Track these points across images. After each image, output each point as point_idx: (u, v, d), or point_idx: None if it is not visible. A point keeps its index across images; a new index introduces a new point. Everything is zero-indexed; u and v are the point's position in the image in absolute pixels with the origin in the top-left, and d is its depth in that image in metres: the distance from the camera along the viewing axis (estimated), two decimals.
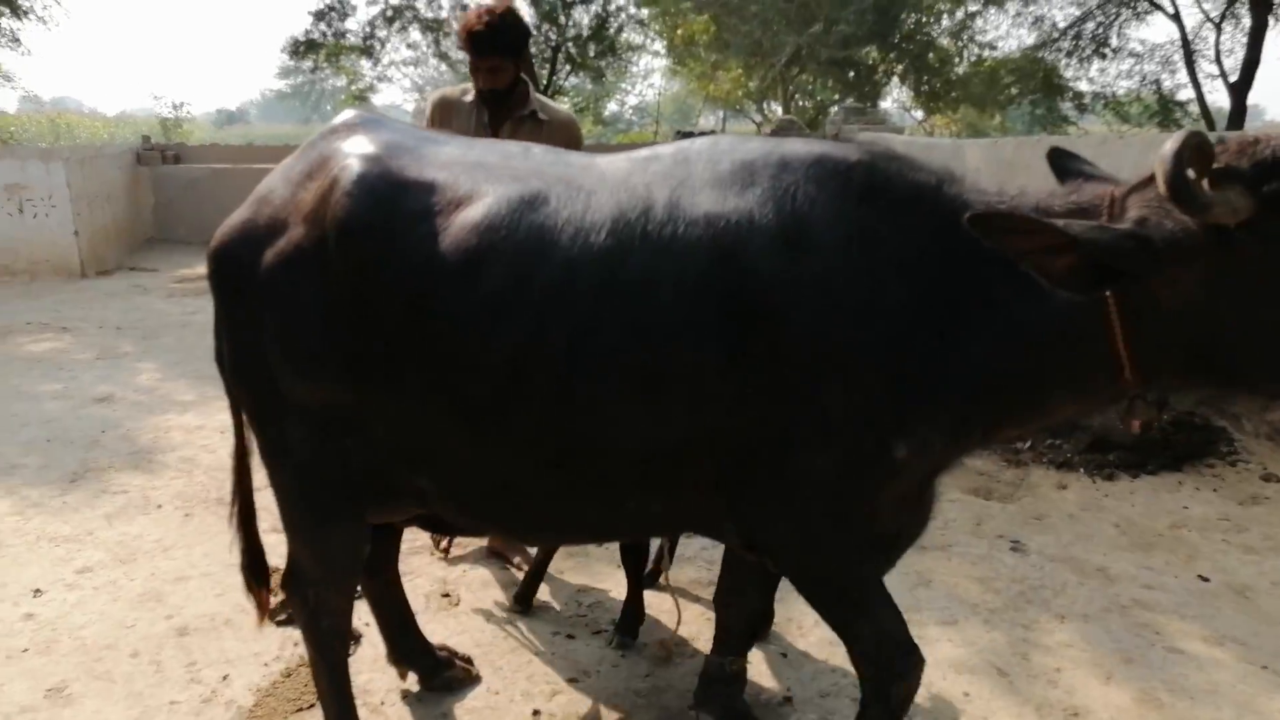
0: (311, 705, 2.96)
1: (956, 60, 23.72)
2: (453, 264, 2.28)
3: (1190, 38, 18.07)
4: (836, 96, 23.56)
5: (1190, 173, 1.76)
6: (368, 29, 16.84)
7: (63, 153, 12.19)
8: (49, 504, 4.62)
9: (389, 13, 16.58)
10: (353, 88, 17.93)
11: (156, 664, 3.23)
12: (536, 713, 2.98)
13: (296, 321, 2.43)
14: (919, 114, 27.09)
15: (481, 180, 2.38)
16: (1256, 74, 16.71)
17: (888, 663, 2.32)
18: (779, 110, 24.98)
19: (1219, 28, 17.78)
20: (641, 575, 3.48)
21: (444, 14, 17.12)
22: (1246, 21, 16.91)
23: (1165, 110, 20.01)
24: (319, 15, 16.41)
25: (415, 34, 17.43)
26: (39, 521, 4.41)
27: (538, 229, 2.24)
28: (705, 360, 2.12)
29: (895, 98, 26.85)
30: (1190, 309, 1.82)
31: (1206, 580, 3.95)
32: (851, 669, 3.00)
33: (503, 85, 3.75)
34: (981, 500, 4.85)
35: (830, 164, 2.16)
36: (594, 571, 3.98)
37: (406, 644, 3.13)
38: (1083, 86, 20.99)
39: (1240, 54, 17.03)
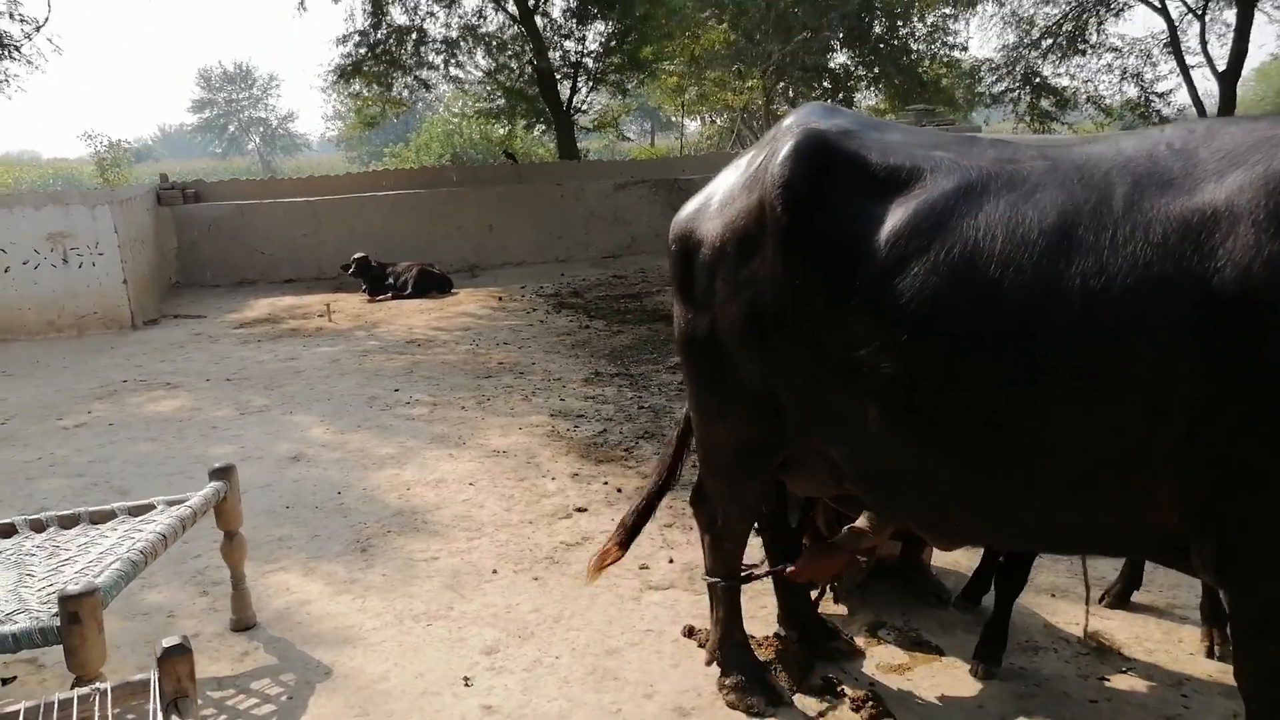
0: None
1: (927, 62, 24.17)
2: (879, 243, 2.34)
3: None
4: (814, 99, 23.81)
5: None
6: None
7: (104, 195, 11.39)
8: (366, 579, 4.17)
9: None
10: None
11: None
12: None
13: (739, 286, 2.63)
14: (890, 117, 27.55)
15: (922, 164, 2.41)
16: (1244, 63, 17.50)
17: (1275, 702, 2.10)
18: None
19: (1202, 19, 18.54)
20: (1013, 596, 3.24)
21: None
22: (1226, 14, 17.72)
23: (1146, 102, 20.78)
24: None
25: None
26: (375, 601, 3.97)
27: (973, 221, 2.23)
28: (1170, 361, 1.96)
29: (863, 99, 27.25)
30: None
31: None
32: None
33: None
34: None
35: None
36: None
37: (798, 607, 3.38)
38: (1064, 82, 21.67)
39: (1215, 46, 17.89)
